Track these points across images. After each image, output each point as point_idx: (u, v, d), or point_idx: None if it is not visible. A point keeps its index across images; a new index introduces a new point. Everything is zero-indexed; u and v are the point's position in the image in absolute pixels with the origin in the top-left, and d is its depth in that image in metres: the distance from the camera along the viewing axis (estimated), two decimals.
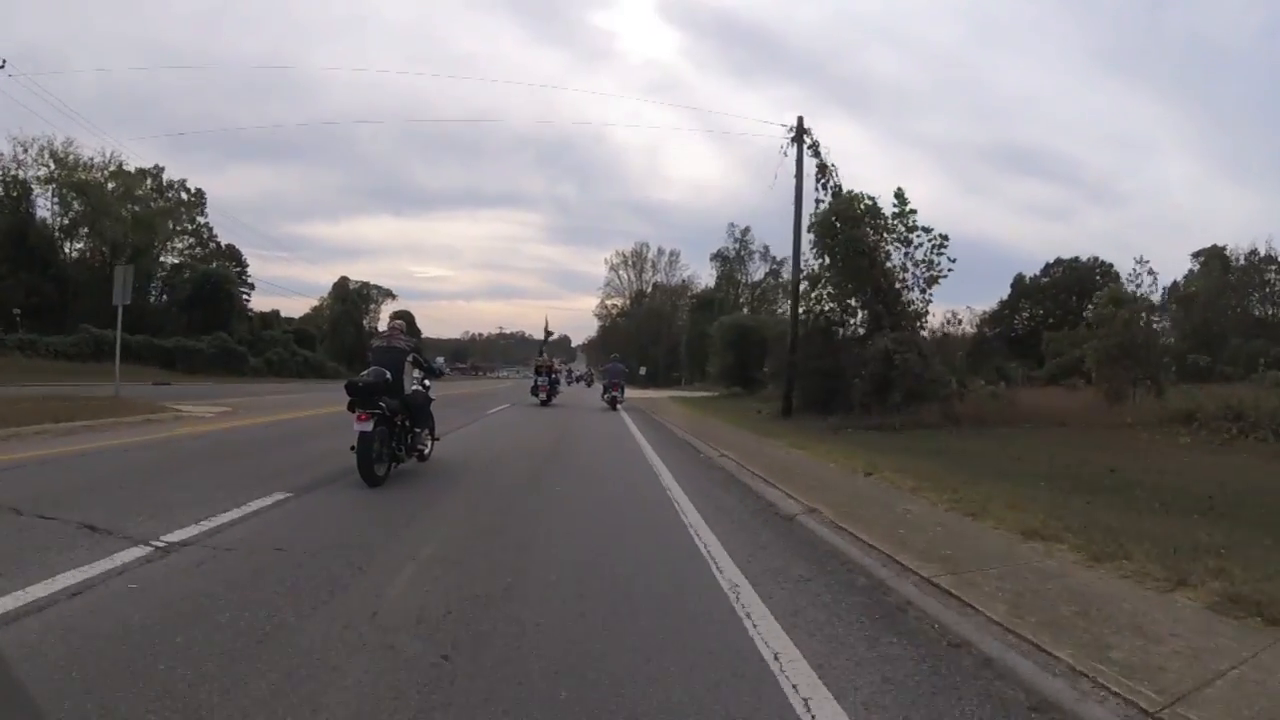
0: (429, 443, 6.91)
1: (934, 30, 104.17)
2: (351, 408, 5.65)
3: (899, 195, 15.55)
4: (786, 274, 55.87)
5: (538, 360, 19.18)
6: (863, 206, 15.67)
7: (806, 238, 16.81)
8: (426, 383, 7.03)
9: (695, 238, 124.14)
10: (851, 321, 16.47)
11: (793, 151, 17.25)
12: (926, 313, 16.09)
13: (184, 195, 46.08)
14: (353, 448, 5.55)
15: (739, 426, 13.63)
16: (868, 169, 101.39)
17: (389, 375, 5.94)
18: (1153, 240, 79.74)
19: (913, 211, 15.47)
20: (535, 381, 17.95)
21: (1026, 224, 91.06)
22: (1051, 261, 45.50)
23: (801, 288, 17.36)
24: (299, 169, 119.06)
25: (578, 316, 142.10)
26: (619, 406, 17.74)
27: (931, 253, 15.41)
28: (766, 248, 58.20)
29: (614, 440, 11.06)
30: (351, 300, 61.98)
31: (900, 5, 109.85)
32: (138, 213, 39.97)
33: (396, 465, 6.11)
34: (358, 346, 56.76)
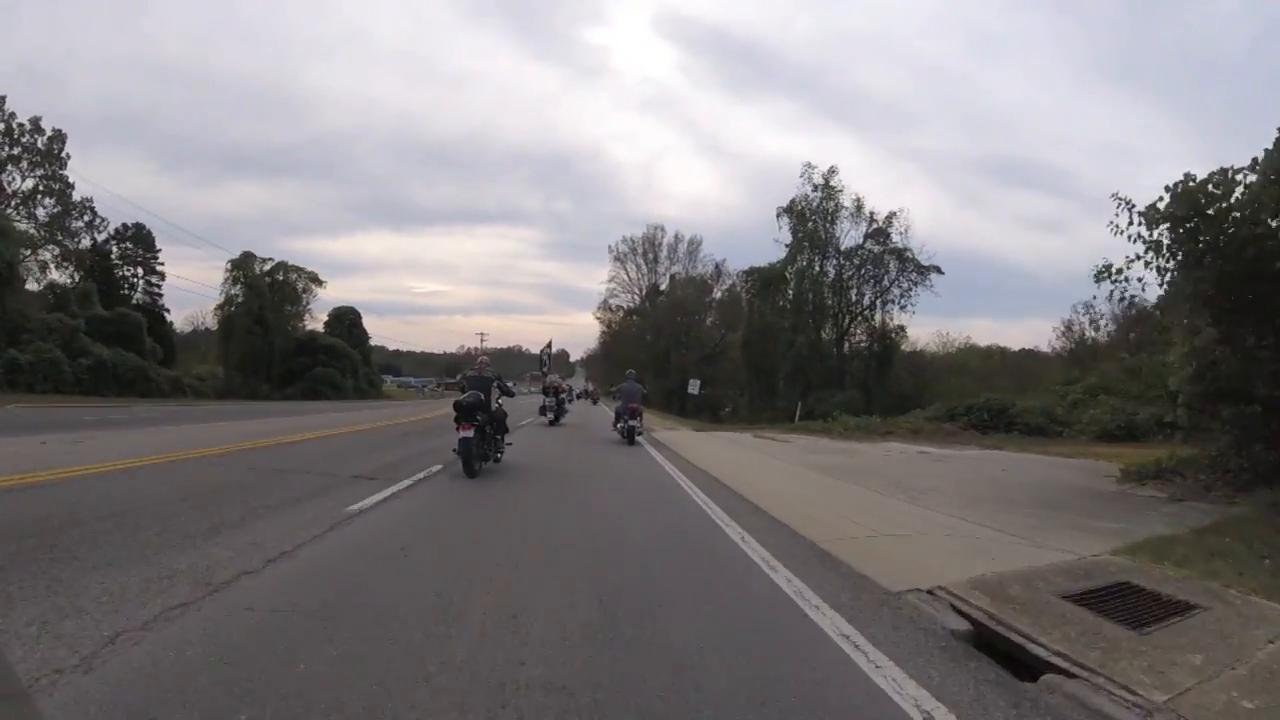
0: (504, 449, 8.95)
1: (929, 44, 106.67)
2: (457, 421, 7.71)
3: None
4: (898, 237, 33.14)
5: (544, 382, 21.47)
6: None
7: None
8: (500, 400, 9.06)
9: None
10: None
11: None
12: None
13: (36, 139, 34.77)
14: (454, 450, 7.62)
15: None
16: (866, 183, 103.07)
17: (482, 396, 7.99)
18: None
19: None
20: (544, 402, 20.06)
21: (1024, 238, 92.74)
22: None
23: None
24: (297, 185, 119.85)
25: (575, 331, 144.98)
26: (639, 438, 13.99)
27: None
28: (859, 200, 34.71)
29: None
30: (260, 288, 43.14)
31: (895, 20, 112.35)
32: None
33: (484, 463, 8.14)
34: (267, 356, 41.12)
